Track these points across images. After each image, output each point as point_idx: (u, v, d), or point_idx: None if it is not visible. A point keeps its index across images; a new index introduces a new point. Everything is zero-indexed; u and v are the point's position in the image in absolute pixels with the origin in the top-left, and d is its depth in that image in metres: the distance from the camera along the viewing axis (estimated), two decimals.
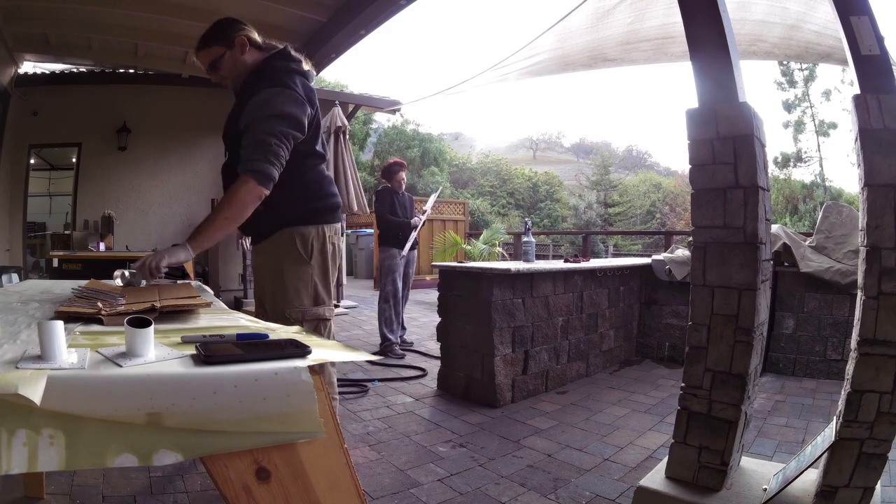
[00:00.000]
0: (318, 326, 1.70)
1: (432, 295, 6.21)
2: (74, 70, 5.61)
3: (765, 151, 1.59)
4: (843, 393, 1.39)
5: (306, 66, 1.71)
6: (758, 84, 17.76)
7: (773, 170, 15.67)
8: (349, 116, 6.87)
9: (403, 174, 4.22)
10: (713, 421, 1.54)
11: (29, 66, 5.47)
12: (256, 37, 1.70)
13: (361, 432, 2.40)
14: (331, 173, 5.69)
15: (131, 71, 5.67)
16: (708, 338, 1.56)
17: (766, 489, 1.51)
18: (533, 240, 3.55)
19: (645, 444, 2.31)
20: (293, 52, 1.70)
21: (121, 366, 0.70)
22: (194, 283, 1.73)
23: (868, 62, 1.41)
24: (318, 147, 1.74)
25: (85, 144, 5.73)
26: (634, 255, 6.36)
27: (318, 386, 0.74)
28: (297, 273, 1.68)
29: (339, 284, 6.81)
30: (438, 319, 3.20)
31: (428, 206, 4.47)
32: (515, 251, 8.32)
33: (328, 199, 1.77)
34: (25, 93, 5.28)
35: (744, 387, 1.50)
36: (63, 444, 0.63)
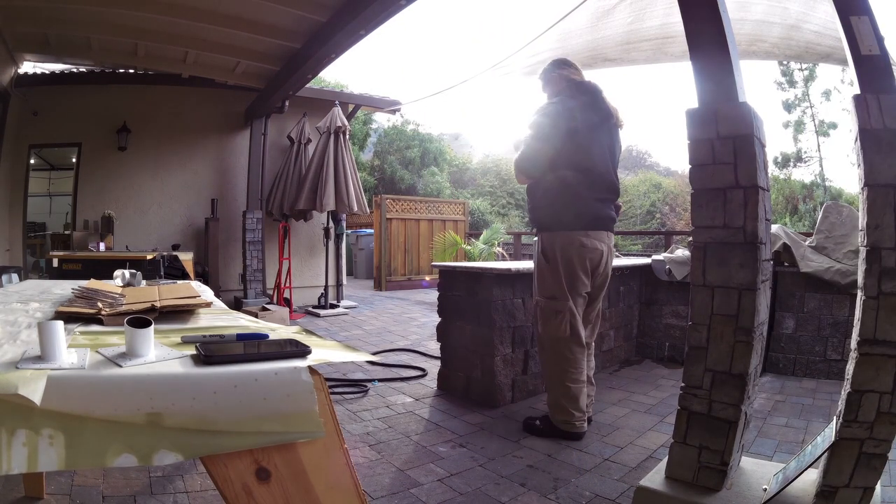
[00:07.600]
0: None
1: (432, 295, 6.22)
2: (74, 70, 5.60)
3: (765, 151, 1.59)
4: (843, 393, 1.39)
5: None
6: (758, 84, 17.71)
7: (773, 170, 15.61)
8: (349, 116, 6.87)
9: None
10: (713, 421, 1.54)
11: (29, 66, 5.46)
12: None
13: (361, 432, 2.40)
14: (330, 173, 5.74)
15: (131, 71, 5.66)
16: (708, 338, 1.56)
17: (766, 489, 1.51)
18: None
19: (645, 444, 2.31)
20: None
21: (121, 366, 0.70)
22: (194, 283, 1.73)
23: (868, 62, 1.41)
24: None
25: (85, 144, 5.73)
26: (634, 255, 6.36)
27: (318, 386, 0.74)
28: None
29: (339, 284, 6.81)
30: (438, 319, 3.20)
31: None
32: (515, 251, 8.30)
33: None
34: (25, 93, 5.28)
35: (744, 387, 1.50)
36: (63, 444, 0.63)
